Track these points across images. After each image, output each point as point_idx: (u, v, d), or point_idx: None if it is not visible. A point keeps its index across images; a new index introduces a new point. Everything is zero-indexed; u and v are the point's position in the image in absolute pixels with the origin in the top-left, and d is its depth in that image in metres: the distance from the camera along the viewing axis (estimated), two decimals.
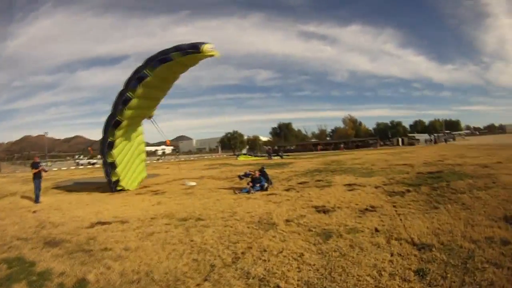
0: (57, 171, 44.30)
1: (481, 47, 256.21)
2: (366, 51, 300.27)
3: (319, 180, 16.50)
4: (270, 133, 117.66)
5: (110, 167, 16.34)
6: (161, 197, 14.33)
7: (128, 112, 15.62)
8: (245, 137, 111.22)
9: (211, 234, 7.50)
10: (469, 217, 7.38)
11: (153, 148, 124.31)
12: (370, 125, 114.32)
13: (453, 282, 4.37)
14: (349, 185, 13.93)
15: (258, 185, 14.35)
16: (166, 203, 12.65)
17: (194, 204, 11.78)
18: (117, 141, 16.22)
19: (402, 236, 6.44)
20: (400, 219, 7.74)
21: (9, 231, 9.11)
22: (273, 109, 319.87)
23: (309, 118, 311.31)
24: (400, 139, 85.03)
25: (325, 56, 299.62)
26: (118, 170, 16.55)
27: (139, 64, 15.17)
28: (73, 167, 53.24)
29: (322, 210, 9.39)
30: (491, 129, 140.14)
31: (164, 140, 22.26)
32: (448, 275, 4.57)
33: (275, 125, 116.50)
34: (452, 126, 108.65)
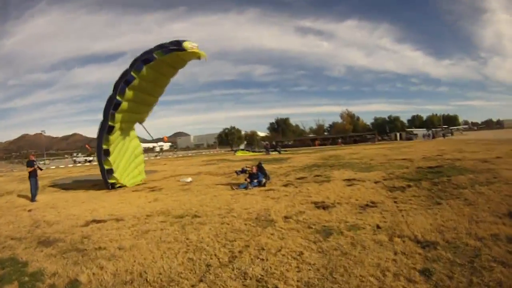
0: (55, 169, 44.09)
1: (479, 42, 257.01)
2: (362, 46, 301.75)
3: (317, 175, 16.36)
4: (268, 128, 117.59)
5: (109, 173, 16.26)
6: (157, 194, 14.15)
7: (119, 116, 15.55)
8: (243, 133, 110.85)
9: (208, 232, 7.30)
10: (473, 213, 7.22)
11: (150, 145, 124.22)
12: (368, 120, 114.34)
13: (460, 283, 4.17)
14: (348, 180, 13.79)
15: (255, 180, 14.19)
16: (163, 199, 12.47)
17: (190, 201, 11.60)
18: (112, 147, 16.10)
19: (405, 233, 6.25)
20: (402, 215, 7.57)
21: (3, 230, 8.92)
22: (270, 104, 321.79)
23: (307, 113, 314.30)
24: (398, 134, 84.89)
25: (322, 51, 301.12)
26: (116, 175, 16.48)
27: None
28: (71, 165, 52.97)
29: (322, 206, 9.21)
30: (489, 124, 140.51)
31: (151, 139, 22.08)
32: (455, 275, 4.37)
33: (273, 120, 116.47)
34: (450, 121, 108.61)
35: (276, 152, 50.83)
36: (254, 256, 5.60)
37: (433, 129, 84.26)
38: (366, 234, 6.38)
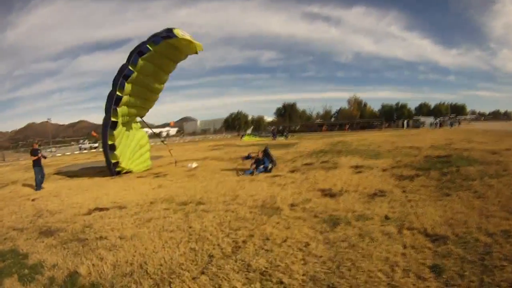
0: (61, 156, 44.16)
1: (488, 32, 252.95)
2: (370, 33, 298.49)
3: (324, 162, 16.23)
4: (275, 113, 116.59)
5: (115, 166, 16.23)
6: (162, 180, 14.03)
7: (121, 110, 15.53)
8: (250, 118, 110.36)
9: (211, 220, 7.14)
10: (483, 207, 6.96)
11: (157, 130, 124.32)
12: (376, 107, 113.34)
13: (471, 282, 3.95)
14: (356, 167, 13.62)
15: (262, 166, 14.05)
16: (167, 186, 12.36)
17: (195, 187, 11.46)
18: (117, 141, 15.98)
19: (414, 225, 6.02)
20: (411, 206, 7.35)
21: (6, 221, 8.79)
22: (277, 90, 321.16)
23: (314, 99, 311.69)
24: (405, 122, 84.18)
25: (329, 37, 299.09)
26: (122, 165, 16.48)
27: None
28: (77, 152, 53.05)
29: (329, 193, 9.02)
30: (496, 115, 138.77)
31: (152, 132, 21.93)
32: (466, 273, 4.15)
33: (280, 106, 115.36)
34: (457, 110, 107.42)
35: (283, 137, 50.63)
36: (258, 246, 5.41)
37: (440, 118, 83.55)
38: (374, 225, 6.16)
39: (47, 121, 79.90)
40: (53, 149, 59.95)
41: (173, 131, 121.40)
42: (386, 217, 6.59)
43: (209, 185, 11.72)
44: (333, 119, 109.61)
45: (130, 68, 14.84)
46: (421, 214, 6.64)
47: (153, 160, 21.25)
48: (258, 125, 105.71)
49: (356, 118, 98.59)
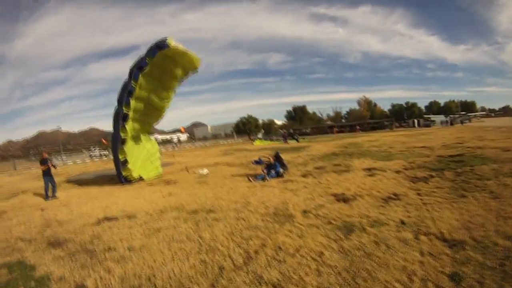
0: (72, 164, 44.41)
1: (495, 27, 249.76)
2: (377, 31, 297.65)
3: (337, 165, 16.02)
4: (285, 116, 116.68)
5: (123, 164, 16.07)
6: (172, 188, 13.87)
7: (130, 125, 15.61)
8: (260, 122, 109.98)
9: (222, 229, 6.97)
10: (500, 208, 6.79)
11: (168, 136, 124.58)
12: (385, 107, 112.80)
13: None
14: (369, 169, 13.43)
15: (273, 171, 13.86)
16: (178, 194, 12.18)
17: (206, 194, 11.29)
18: (128, 156, 15.98)
19: (431, 230, 5.84)
20: (427, 210, 7.17)
21: (14, 231, 8.74)
22: (287, 92, 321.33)
23: (324, 101, 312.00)
24: (415, 121, 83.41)
25: (337, 38, 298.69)
26: (130, 166, 16.27)
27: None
28: (88, 160, 53.31)
29: (342, 198, 8.82)
30: (506, 111, 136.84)
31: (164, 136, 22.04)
32: (486, 281, 3.99)
33: (290, 108, 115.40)
34: (467, 107, 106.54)
35: (294, 141, 50.39)
36: (270, 257, 5.22)
37: (451, 116, 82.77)
38: (390, 231, 5.97)
39: (57, 130, 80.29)
40: (64, 157, 60.43)
41: (184, 137, 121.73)
42: (402, 222, 6.41)
43: (220, 192, 11.56)
44: (343, 120, 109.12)
45: (133, 84, 14.90)
46: (438, 218, 6.47)
47: (164, 167, 21.18)
48: (268, 129, 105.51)
49: (367, 118, 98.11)
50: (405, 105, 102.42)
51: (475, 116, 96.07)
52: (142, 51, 14.97)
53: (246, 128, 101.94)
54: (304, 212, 7.80)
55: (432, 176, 10.82)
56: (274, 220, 7.35)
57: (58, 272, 5.47)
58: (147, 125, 18.30)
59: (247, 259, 5.24)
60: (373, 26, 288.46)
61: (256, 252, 5.48)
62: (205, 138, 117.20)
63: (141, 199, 11.70)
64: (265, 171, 13.89)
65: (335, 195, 9.32)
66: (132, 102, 15.19)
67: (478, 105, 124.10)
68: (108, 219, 9.02)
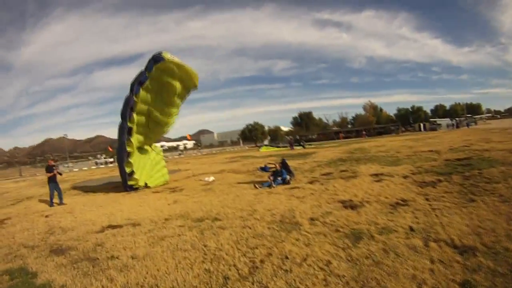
0: (78, 171, 44.55)
1: (499, 27, 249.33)
2: (381, 36, 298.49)
3: (343, 171, 15.85)
4: (291, 122, 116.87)
5: (130, 175, 16.10)
6: (178, 195, 13.76)
7: (135, 138, 15.75)
8: (266, 128, 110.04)
9: (228, 238, 6.82)
10: (510, 212, 6.66)
11: (174, 143, 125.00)
12: (391, 111, 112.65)
13: None
14: (376, 175, 13.26)
15: (279, 178, 13.71)
16: (183, 201, 12.07)
17: (212, 202, 11.16)
18: (135, 167, 16.06)
19: (441, 236, 5.68)
20: (436, 215, 6.99)
21: (17, 238, 8.73)
22: (292, 99, 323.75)
23: (330, 106, 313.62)
24: (421, 125, 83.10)
25: (341, 43, 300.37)
26: (136, 176, 16.32)
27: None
28: (94, 167, 53.52)
29: (350, 205, 8.66)
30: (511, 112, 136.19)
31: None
32: None
33: (296, 115, 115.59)
34: (473, 109, 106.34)
35: (301, 147, 50.24)
36: (277, 266, 5.07)
37: (456, 119, 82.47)
38: (399, 238, 5.80)
39: (63, 137, 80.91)
40: (70, 164, 60.78)
41: (190, 144, 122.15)
42: (411, 229, 6.24)
43: (226, 199, 11.43)
44: (349, 126, 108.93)
45: (135, 98, 15.00)
46: (447, 224, 6.31)
47: (170, 174, 21.08)
48: (275, 136, 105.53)
49: (373, 123, 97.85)
50: (411, 109, 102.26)
51: (481, 118, 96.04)
52: (147, 59, 14.98)
53: (252, 135, 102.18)
54: (311, 219, 7.64)
55: (440, 181, 10.65)
56: (281, 228, 7.20)
57: (59, 280, 5.39)
58: (151, 139, 18.41)
59: (252, 268, 5.10)
60: (377, 30, 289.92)
61: (262, 261, 5.33)
62: (211, 145, 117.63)
63: (146, 207, 11.61)
64: (271, 178, 13.74)
65: (342, 201, 9.17)
66: (135, 116, 15.27)
67: (484, 107, 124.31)
68: (112, 226, 8.93)
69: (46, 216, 11.48)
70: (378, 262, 4.85)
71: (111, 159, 61.36)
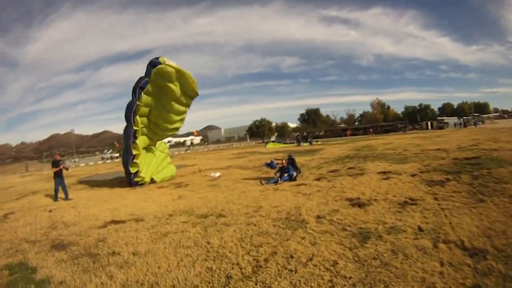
0: (84, 166, 44.65)
1: (507, 26, 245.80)
2: (389, 33, 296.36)
3: (351, 168, 15.71)
4: (299, 119, 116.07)
5: (135, 175, 16.22)
6: (183, 191, 13.67)
7: (140, 140, 16.02)
8: (273, 124, 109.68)
9: (232, 235, 6.67)
10: None
11: (181, 139, 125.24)
12: (399, 109, 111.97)
13: None
14: (384, 173, 13.08)
15: (286, 174, 13.58)
16: (188, 197, 11.98)
17: (217, 198, 11.05)
18: (141, 167, 16.23)
19: (450, 237, 5.49)
20: (445, 215, 6.80)
21: (20, 232, 8.66)
22: (300, 95, 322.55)
23: (337, 103, 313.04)
24: (429, 123, 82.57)
25: (349, 40, 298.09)
26: (142, 174, 16.41)
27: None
28: (100, 162, 53.67)
29: (357, 203, 8.47)
30: None
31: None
32: None
33: (303, 111, 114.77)
34: (480, 109, 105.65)
35: (308, 144, 50.10)
36: (281, 266, 4.90)
37: (464, 118, 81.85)
38: (408, 238, 5.62)
39: (70, 132, 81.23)
40: (77, 159, 61.05)
41: (197, 139, 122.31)
42: (420, 229, 6.05)
43: (231, 195, 11.30)
44: (356, 123, 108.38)
45: (138, 102, 15.19)
46: (457, 225, 6.12)
47: (176, 169, 21.01)
48: (282, 132, 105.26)
49: (380, 121, 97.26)
50: (418, 107, 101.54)
51: (488, 117, 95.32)
52: (154, 56, 15.05)
53: (259, 131, 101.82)
54: (318, 217, 7.46)
55: (448, 180, 10.44)
56: (286, 225, 7.04)
57: (59, 276, 5.32)
58: (155, 139, 18.57)
59: (256, 267, 4.94)
60: (385, 28, 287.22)
61: (266, 260, 5.17)
62: (218, 141, 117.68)
63: (151, 202, 11.53)
64: (277, 174, 13.60)
65: (349, 199, 8.98)
66: (138, 119, 15.49)
67: (491, 106, 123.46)
68: (115, 222, 8.85)
69: (50, 211, 11.41)
70: (386, 264, 4.68)
71: (117, 154, 61.48)
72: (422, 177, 11.43)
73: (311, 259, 5.05)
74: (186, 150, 77.71)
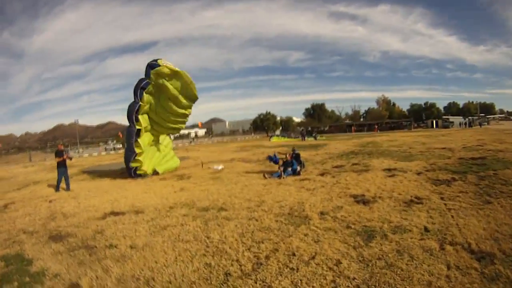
0: (87, 157, 44.66)
1: None
2: (397, 31, 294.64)
3: (355, 164, 15.59)
4: (304, 114, 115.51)
5: (135, 174, 16.22)
6: (185, 183, 13.54)
7: (143, 139, 15.96)
8: (278, 118, 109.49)
9: (232, 230, 6.52)
10: None
11: (186, 131, 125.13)
12: (404, 106, 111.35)
13: None
14: (389, 170, 12.93)
15: (290, 169, 13.44)
16: (190, 189, 11.84)
17: (219, 191, 10.92)
18: (143, 161, 16.19)
19: (457, 239, 5.32)
20: (452, 216, 6.63)
21: (18, 223, 8.54)
22: (306, 90, 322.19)
23: (343, 99, 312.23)
24: (434, 121, 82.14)
25: (356, 36, 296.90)
26: (149, 172, 16.47)
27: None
28: (104, 153, 53.64)
29: (362, 200, 8.32)
30: None
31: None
32: None
33: (308, 106, 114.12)
34: (486, 109, 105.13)
35: (312, 138, 49.96)
36: (283, 264, 4.74)
37: (469, 118, 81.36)
38: (413, 238, 5.44)
39: (75, 123, 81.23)
40: (80, 150, 61.08)
41: (201, 132, 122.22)
42: (426, 229, 5.88)
43: (234, 188, 11.17)
44: (362, 119, 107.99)
45: (140, 102, 15.30)
46: (463, 226, 5.94)
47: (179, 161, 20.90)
48: (286, 126, 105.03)
49: (385, 118, 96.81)
50: (424, 106, 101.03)
51: (493, 118, 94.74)
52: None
53: (264, 124, 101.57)
54: (321, 213, 7.30)
55: (454, 179, 10.27)
56: (289, 221, 6.88)
57: (54, 268, 5.21)
58: (158, 135, 18.40)
59: (256, 265, 4.78)
60: (392, 25, 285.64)
61: (267, 257, 5.00)
62: (222, 134, 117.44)
63: (152, 194, 11.40)
64: (281, 168, 13.45)
65: (354, 196, 8.82)
66: (140, 118, 15.58)
67: (497, 107, 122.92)
68: (114, 213, 8.72)
69: (50, 201, 11.27)
70: (391, 265, 4.51)
71: (120, 145, 61.50)
72: (428, 175, 11.26)
73: (313, 258, 4.88)
74: (190, 142, 77.47)
